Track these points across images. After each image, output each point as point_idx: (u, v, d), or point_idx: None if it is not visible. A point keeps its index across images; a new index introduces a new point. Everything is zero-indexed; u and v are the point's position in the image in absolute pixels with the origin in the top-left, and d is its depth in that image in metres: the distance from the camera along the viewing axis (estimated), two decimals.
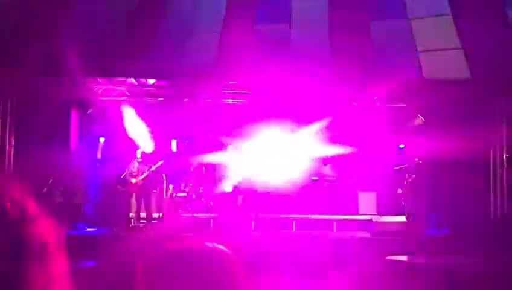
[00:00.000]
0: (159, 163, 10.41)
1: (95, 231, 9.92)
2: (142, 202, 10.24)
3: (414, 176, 10.68)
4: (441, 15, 8.39)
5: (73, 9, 7.58)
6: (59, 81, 9.91)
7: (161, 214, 10.79)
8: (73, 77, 9.94)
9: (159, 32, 8.78)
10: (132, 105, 11.30)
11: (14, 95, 9.32)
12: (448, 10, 8.33)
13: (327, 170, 12.42)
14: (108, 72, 9.72)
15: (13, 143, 9.58)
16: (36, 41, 7.65)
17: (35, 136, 9.84)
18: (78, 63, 7.91)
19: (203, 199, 11.81)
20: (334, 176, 12.29)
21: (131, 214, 10.69)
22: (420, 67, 8.81)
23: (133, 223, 10.24)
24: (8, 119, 9.41)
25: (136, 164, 10.28)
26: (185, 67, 9.17)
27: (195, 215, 10.96)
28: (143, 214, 10.33)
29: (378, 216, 10.82)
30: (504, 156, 9.40)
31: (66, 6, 7.33)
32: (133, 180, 10.11)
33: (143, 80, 10.96)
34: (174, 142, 12.66)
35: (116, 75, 10.21)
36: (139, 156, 10.37)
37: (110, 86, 11.14)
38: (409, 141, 12.23)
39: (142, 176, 10.16)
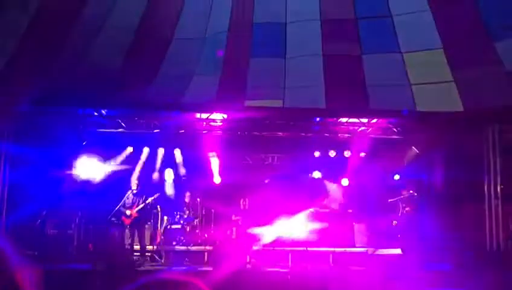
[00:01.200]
0: (155, 195, 10.36)
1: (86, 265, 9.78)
2: (136, 234, 10.14)
3: (408, 208, 10.69)
4: (433, 49, 8.56)
5: (71, 42, 7.70)
6: (55, 112, 9.98)
7: (155, 247, 10.69)
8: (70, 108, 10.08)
9: (156, 70, 8.94)
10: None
11: (11, 124, 9.35)
12: (439, 44, 8.50)
13: (323, 201, 12.43)
14: (105, 103, 9.81)
15: (8, 173, 9.54)
16: (34, 73, 7.73)
17: (30, 167, 9.83)
18: None
19: (197, 231, 11.74)
20: (329, 208, 12.27)
21: (124, 247, 10.59)
22: (413, 100, 8.91)
23: (126, 256, 10.10)
24: (4, 149, 9.40)
25: (131, 195, 10.24)
26: (183, 102, 9.29)
27: (189, 247, 10.86)
28: (137, 247, 10.22)
29: (373, 249, 10.75)
30: (499, 187, 9.40)
31: (63, 41, 7.45)
32: (128, 212, 10.05)
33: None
34: (169, 172, 12.69)
35: (112, 106, 10.28)
36: (134, 187, 10.35)
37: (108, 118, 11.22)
38: (404, 173, 12.31)
39: (137, 208, 10.10)
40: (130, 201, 10.18)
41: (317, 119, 11.22)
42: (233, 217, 11.56)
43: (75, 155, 11.41)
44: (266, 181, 13.13)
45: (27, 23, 7.01)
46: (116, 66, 8.76)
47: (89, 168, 11.45)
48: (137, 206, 10.11)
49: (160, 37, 8.92)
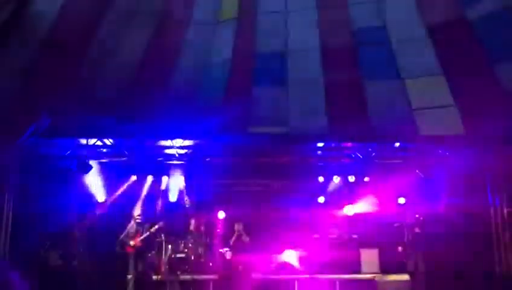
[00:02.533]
0: (159, 224, 10.29)
1: None
2: (139, 264, 10.03)
3: (416, 230, 10.56)
4: (433, 74, 8.64)
5: (74, 75, 7.80)
6: (59, 143, 10.06)
7: (159, 277, 10.56)
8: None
9: (159, 98, 9.04)
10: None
11: (15, 155, 9.40)
12: (439, 69, 8.58)
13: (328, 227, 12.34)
14: (108, 133, 9.89)
15: (12, 205, 9.54)
16: (37, 105, 7.81)
17: (34, 198, 9.84)
18: None
19: (202, 260, 11.61)
20: (335, 234, 12.16)
21: (129, 277, 10.48)
22: (416, 124, 8.96)
23: (130, 287, 10.00)
24: (8, 180, 9.42)
25: (134, 224, 10.17)
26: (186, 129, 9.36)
27: (194, 277, 10.74)
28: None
29: (381, 275, 10.61)
30: (505, 211, 9.35)
31: (69, 73, 7.56)
32: (131, 243, 9.95)
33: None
34: (173, 196, 12.68)
35: (116, 136, 10.35)
36: (136, 216, 10.28)
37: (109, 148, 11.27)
38: (409, 197, 12.24)
39: (141, 238, 10.01)
40: (134, 231, 10.11)
41: (321, 145, 11.25)
42: (236, 226, 11.39)
43: (79, 185, 11.43)
44: (270, 207, 13.11)
45: (31, 56, 7.10)
46: (119, 97, 8.85)
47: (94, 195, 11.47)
48: (140, 235, 10.03)
49: (164, 65, 9.03)
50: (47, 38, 7.05)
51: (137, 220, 10.21)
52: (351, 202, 12.54)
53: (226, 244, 11.58)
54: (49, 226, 10.43)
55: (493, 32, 7.84)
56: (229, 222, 12.35)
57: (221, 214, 12.55)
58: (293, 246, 11.56)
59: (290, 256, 11.35)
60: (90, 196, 11.61)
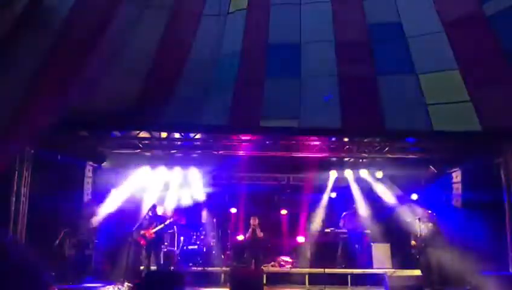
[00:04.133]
0: (168, 221, 10.36)
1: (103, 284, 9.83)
2: (152, 255, 10.16)
3: (429, 226, 10.48)
4: (448, 69, 8.51)
5: (90, 69, 7.86)
6: (74, 135, 10.17)
7: (171, 268, 10.68)
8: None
9: (172, 92, 9.06)
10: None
11: (30, 148, 9.54)
12: (455, 64, 8.45)
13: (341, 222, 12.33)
14: (123, 125, 9.96)
15: (28, 195, 9.70)
16: (52, 98, 7.89)
17: (49, 189, 9.98)
18: None
19: (214, 252, 11.69)
20: (347, 229, 12.14)
21: (141, 267, 10.62)
22: (430, 119, 8.86)
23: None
24: (24, 172, 9.57)
25: (148, 216, 10.28)
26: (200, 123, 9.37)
27: (206, 269, 10.83)
28: (153, 268, 10.24)
29: (392, 270, 10.58)
30: None
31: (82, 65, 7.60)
32: (145, 233, 10.09)
33: (156, 134, 11.17)
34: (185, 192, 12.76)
35: (131, 128, 10.44)
36: (151, 208, 10.37)
37: (125, 140, 11.36)
38: (422, 192, 12.16)
39: (154, 229, 10.13)
40: (147, 222, 10.23)
41: (333, 139, 11.21)
42: (251, 221, 11.44)
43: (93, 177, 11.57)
44: (283, 200, 13.15)
45: (47, 48, 7.15)
46: (135, 89, 8.90)
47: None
48: (154, 227, 10.15)
49: (176, 59, 9.03)
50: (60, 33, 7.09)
51: (150, 213, 10.27)
52: (362, 197, 12.50)
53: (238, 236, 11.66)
54: (64, 217, 10.60)
55: (510, 27, 7.69)
56: (241, 215, 12.43)
57: (232, 209, 12.63)
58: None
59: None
60: (104, 188, 11.73)
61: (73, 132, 9.71)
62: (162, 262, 10.51)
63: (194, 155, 11.90)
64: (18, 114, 7.21)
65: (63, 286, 9.37)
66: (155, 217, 10.30)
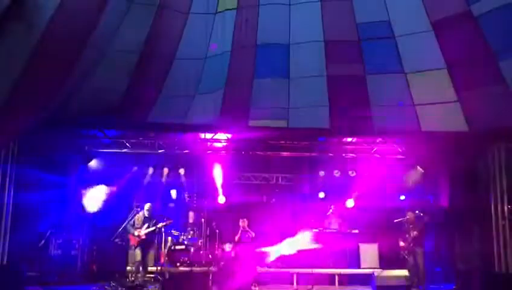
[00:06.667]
0: (168, 222, 10.23)
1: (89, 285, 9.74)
2: (141, 255, 10.01)
3: (415, 231, 10.51)
4: (436, 69, 8.54)
5: (78, 68, 7.75)
6: (60, 132, 10.04)
7: (158, 268, 10.58)
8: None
9: (160, 91, 9.00)
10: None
11: (16, 145, 9.39)
12: (443, 64, 8.48)
13: (328, 222, 12.35)
14: (109, 124, 9.89)
15: (12, 194, 9.54)
16: (39, 95, 7.78)
17: (34, 187, 9.85)
18: None
19: (201, 252, 11.64)
20: (335, 228, 12.17)
21: (128, 268, 10.52)
22: (417, 120, 8.90)
23: (130, 278, 10.02)
24: (8, 170, 9.41)
25: (142, 216, 10.10)
26: (187, 122, 9.32)
27: (193, 268, 10.76)
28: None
29: (380, 270, 10.60)
30: (506, 208, 9.29)
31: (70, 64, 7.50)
32: (135, 233, 9.90)
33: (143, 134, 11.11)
34: (173, 192, 12.72)
35: (117, 127, 10.35)
36: (147, 208, 10.19)
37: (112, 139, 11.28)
38: (409, 193, 12.22)
39: (146, 231, 9.95)
40: (140, 223, 10.01)
41: (322, 139, 11.23)
42: (241, 223, 11.45)
43: (79, 176, 11.45)
44: (272, 201, 13.14)
45: (32, 47, 7.03)
46: (121, 88, 8.81)
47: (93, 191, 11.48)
48: (147, 228, 9.96)
49: (162, 58, 8.96)
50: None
51: (146, 214, 10.09)
52: (351, 196, 12.53)
53: (227, 237, 11.63)
54: (50, 217, 10.48)
55: (498, 28, 7.73)
56: (230, 214, 12.40)
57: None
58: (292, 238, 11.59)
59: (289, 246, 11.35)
60: (91, 186, 11.61)
61: (59, 130, 9.58)
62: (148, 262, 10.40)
63: (184, 153, 11.84)
64: (2, 112, 7.09)
65: (48, 287, 9.27)
66: (150, 219, 10.08)
